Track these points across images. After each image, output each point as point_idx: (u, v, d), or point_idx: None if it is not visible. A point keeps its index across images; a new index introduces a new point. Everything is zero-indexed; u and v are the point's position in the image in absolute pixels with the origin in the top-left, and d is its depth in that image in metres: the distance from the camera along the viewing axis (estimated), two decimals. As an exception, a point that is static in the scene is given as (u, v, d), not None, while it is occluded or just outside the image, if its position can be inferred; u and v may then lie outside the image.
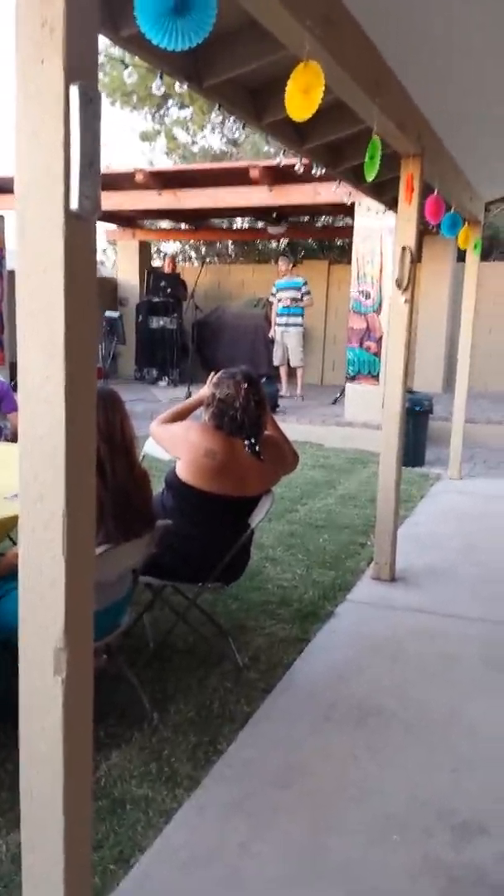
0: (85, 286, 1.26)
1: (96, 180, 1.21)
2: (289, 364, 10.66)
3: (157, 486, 3.17)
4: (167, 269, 12.20)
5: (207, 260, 15.72)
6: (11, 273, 10.38)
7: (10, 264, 10.51)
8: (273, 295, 10.61)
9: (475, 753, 2.69)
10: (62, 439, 1.26)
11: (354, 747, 2.69)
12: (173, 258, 12.77)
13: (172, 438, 3.09)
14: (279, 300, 10.48)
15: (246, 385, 3.02)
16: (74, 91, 1.17)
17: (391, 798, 2.41)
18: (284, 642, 3.45)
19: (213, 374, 3.13)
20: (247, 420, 3.01)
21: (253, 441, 3.01)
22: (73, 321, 1.24)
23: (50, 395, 1.26)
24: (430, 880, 2.05)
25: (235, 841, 2.17)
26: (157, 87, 3.09)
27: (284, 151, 5.07)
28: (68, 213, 1.19)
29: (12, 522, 2.70)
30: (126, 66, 11.44)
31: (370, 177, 3.49)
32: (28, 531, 1.32)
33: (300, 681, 3.13)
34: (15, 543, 3.19)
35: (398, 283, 4.17)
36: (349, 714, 2.91)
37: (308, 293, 10.48)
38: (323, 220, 13.46)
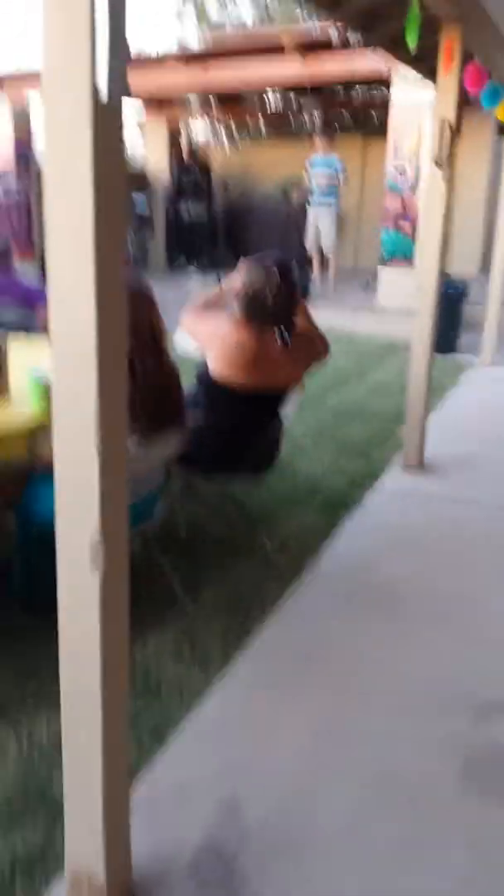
0: (114, 175, 1.21)
1: (125, 60, 1.14)
2: (321, 248, 10.35)
3: (187, 382, 3.17)
4: (185, 156, 11.77)
5: (238, 138, 15.06)
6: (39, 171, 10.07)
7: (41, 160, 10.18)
8: (306, 171, 10.17)
9: (498, 638, 2.76)
10: (94, 335, 1.25)
11: (378, 629, 2.78)
12: (190, 148, 12.29)
13: (202, 331, 3.05)
14: (314, 180, 10.05)
15: (276, 273, 2.94)
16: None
17: (412, 677, 2.50)
18: (312, 531, 3.51)
19: (242, 262, 3.05)
20: (277, 310, 2.95)
21: (283, 330, 2.97)
22: (102, 212, 1.20)
23: (80, 290, 1.24)
24: (451, 756, 2.15)
25: (264, 714, 2.29)
26: None
27: (318, 19, 4.76)
28: (95, 99, 1.13)
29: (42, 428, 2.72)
30: None
31: (412, 43, 3.26)
32: (62, 427, 1.33)
33: (327, 566, 3.21)
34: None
35: (436, 161, 3.98)
36: (374, 598, 2.98)
37: (344, 171, 10.03)
38: (358, 90, 12.74)
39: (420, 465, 4.38)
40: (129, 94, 1.14)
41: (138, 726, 2.17)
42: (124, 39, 1.13)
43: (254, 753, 2.14)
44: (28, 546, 2.60)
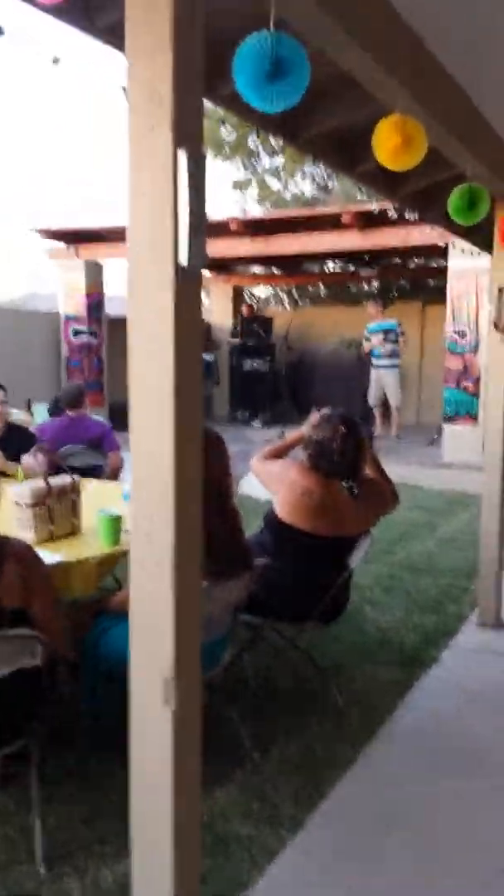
0: (192, 337, 1.34)
1: (203, 237, 1.30)
2: (385, 404, 10.62)
3: (255, 526, 3.23)
4: (247, 315, 12.51)
5: (299, 303, 15.92)
6: (111, 319, 10.83)
7: (108, 309, 10.96)
8: (367, 340, 10.62)
9: None
10: (171, 481, 1.34)
11: (460, 795, 2.63)
12: (250, 305, 13.09)
13: (270, 475, 3.16)
14: (372, 342, 10.49)
15: (343, 428, 3.06)
16: (182, 155, 1.26)
17: (497, 845, 2.34)
18: (386, 686, 3.41)
19: (313, 412, 3.18)
20: (344, 462, 3.04)
21: (351, 483, 3.04)
22: (182, 370, 1.32)
23: (161, 438, 1.34)
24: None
25: (343, 884, 2.16)
26: (252, 141, 3.21)
27: (374, 196, 5.14)
28: (178, 269, 1.28)
29: (117, 559, 2.83)
30: (223, 123, 11.86)
31: (467, 222, 3.52)
32: (139, 565, 1.40)
33: (404, 726, 3.09)
34: (118, 582, 3.31)
35: (496, 325, 4.15)
36: (455, 762, 2.84)
37: (402, 334, 10.46)
38: (415, 261, 13.45)
39: (497, 622, 4.26)
40: (206, 266, 1.28)
41: (207, 886, 2.08)
42: (204, 218, 1.29)
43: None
44: (96, 682, 2.61)
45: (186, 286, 1.30)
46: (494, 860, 2.27)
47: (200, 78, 1.35)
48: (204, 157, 1.30)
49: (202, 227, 1.29)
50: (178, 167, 1.26)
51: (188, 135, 1.29)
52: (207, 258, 1.32)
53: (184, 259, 1.27)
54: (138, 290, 1.34)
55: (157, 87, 1.28)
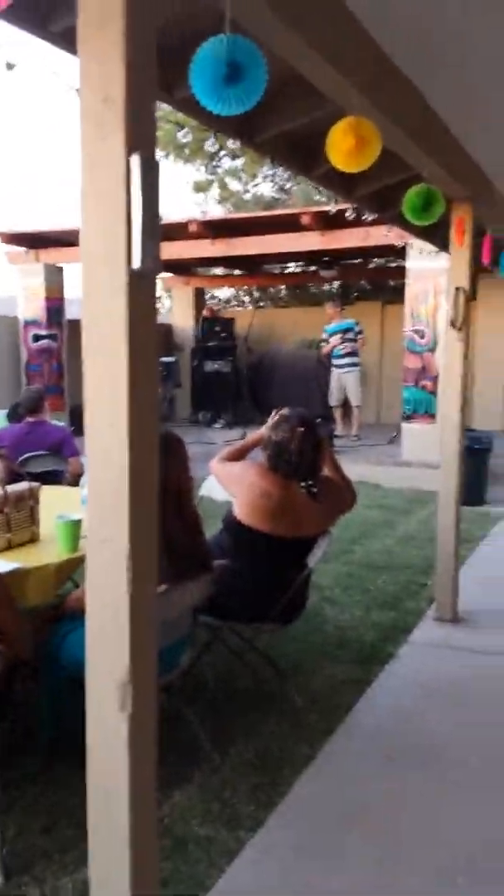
0: (146, 339, 1.34)
1: (157, 241, 1.30)
2: (345, 404, 10.70)
3: (215, 527, 3.23)
4: (208, 316, 12.54)
5: (260, 304, 15.96)
6: (71, 322, 10.74)
7: (68, 313, 10.88)
8: (325, 342, 10.68)
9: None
10: (126, 484, 1.33)
11: (420, 790, 2.66)
12: (211, 308, 13.10)
13: (230, 477, 3.16)
14: (331, 343, 10.55)
15: (302, 429, 3.07)
16: (135, 160, 1.26)
17: (459, 841, 2.38)
18: (344, 684, 3.44)
19: (273, 413, 3.19)
20: (302, 463, 3.05)
21: (309, 483, 3.06)
22: (136, 372, 1.32)
23: (115, 442, 1.33)
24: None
25: (302, 882, 2.17)
26: (211, 144, 3.22)
27: (333, 198, 5.18)
28: (131, 273, 1.28)
29: (76, 564, 2.81)
30: (181, 128, 11.83)
31: (421, 222, 3.56)
32: (95, 570, 1.39)
33: (362, 723, 3.12)
34: (77, 586, 3.29)
35: (453, 323, 4.20)
36: (414, 757, 2.88)
37: (361, 332, 10.53)
38: (375, 261, 13.57)
39: (454, 617, 4.32)
40: (161, 269, 1.28)
41: (166, 889, 2.08)
42: (157, 222, 1.29)
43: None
44: (56, 688, 2.59)
45: (140, 289, 1.30)
46: (455, 856, 2.31)
47: (153, 82, 1.35)
48: (157, 163, 1.30)
49: (156, 231, 1.29)
50: (131, 171, 1.26)
51: (141, 139, 1.29)
52: (161, 262, 1.32)
53: (137, 262, 1.27)
54: (92, 293, 1.33)
55: (109, 91, 1.28)
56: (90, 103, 1.29)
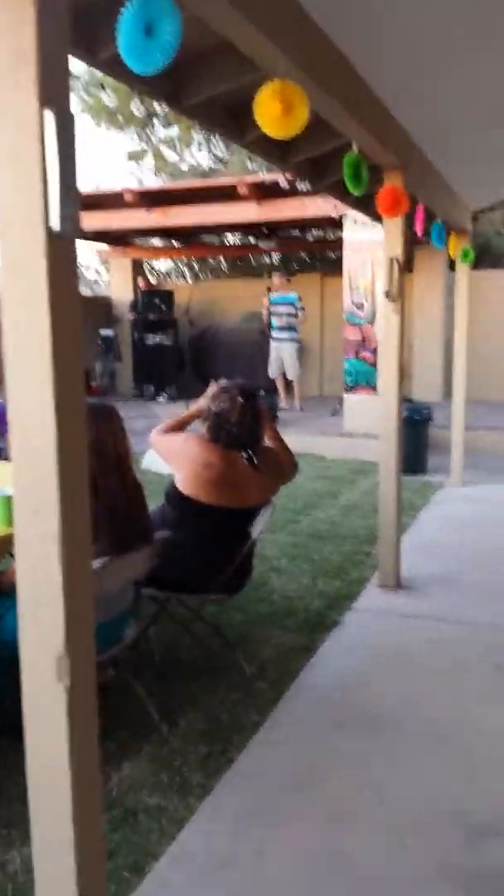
0: (69, 303, 1.30)
1: (75, 200, 1.25)
2: (285, 377, 10.72)
3: (158, 500, 3.21)
4: (142, 288, 12.39)
5: (200, 277, 15.83)
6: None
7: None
8: (267, 309, 10.66)
9: (489, 758, 2.69)
10: (53, 455, 1.30)
11: (366, 753, 2.70)
12: (147, 279, 12.96)
13: (170, 449, 3.13)
14: (273, 315, 10.54)
15: (242, 399, 3.06)
16: (49, 116, 1.21)
17: (405, 802, 2.42)
18: (291, 652, 3.47)
19: (212, 384, 3.17)
20: (243, 434, 3.04)
21: (250, 453, 3.05)
22: (60, 338, 1.28)
23: (39, 411, 1.30)
24: (449, 883, 2.06)
25: (251, 846, 2.19)
26: (137, 107, 3.16)
27: (268, 168, 5.14)
28: (49, 234, 1.24)
29: (11, 540, 2.75)
30: (103, 88, 11.56)
31: (357, 192, 3.55)
32: (25, 542, 1.36)
33: (309, 689, 3.15)
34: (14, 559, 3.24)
35: (388, 294, 4.22)
36: (360, 721, 2.92)
37: (302, 309, 10.55)
38: (314, 233, 13.57)
39: (397, 584, 4.39)
40: (81, 232, 1.24)
41: (116, 859, 2.08)
42: (74, 180, 1.25)
43: (241, 887, 2.04)
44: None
45: (60, 251, 1.26)
46: (400, 817, 2.35)
47: (66, 34, 1.30)
48: (73, 118, 1.25)
49: (74, 189, 1.25)
50: (44, 127, 1.22)
51: (55, 94, 1.24)
52: (80, 223, 1.28)
53: (55, 223, 1.23)
54: (10, 256, 1.29)
55: (21, 43, 1.23)
56: (2, 56, 1.24)
